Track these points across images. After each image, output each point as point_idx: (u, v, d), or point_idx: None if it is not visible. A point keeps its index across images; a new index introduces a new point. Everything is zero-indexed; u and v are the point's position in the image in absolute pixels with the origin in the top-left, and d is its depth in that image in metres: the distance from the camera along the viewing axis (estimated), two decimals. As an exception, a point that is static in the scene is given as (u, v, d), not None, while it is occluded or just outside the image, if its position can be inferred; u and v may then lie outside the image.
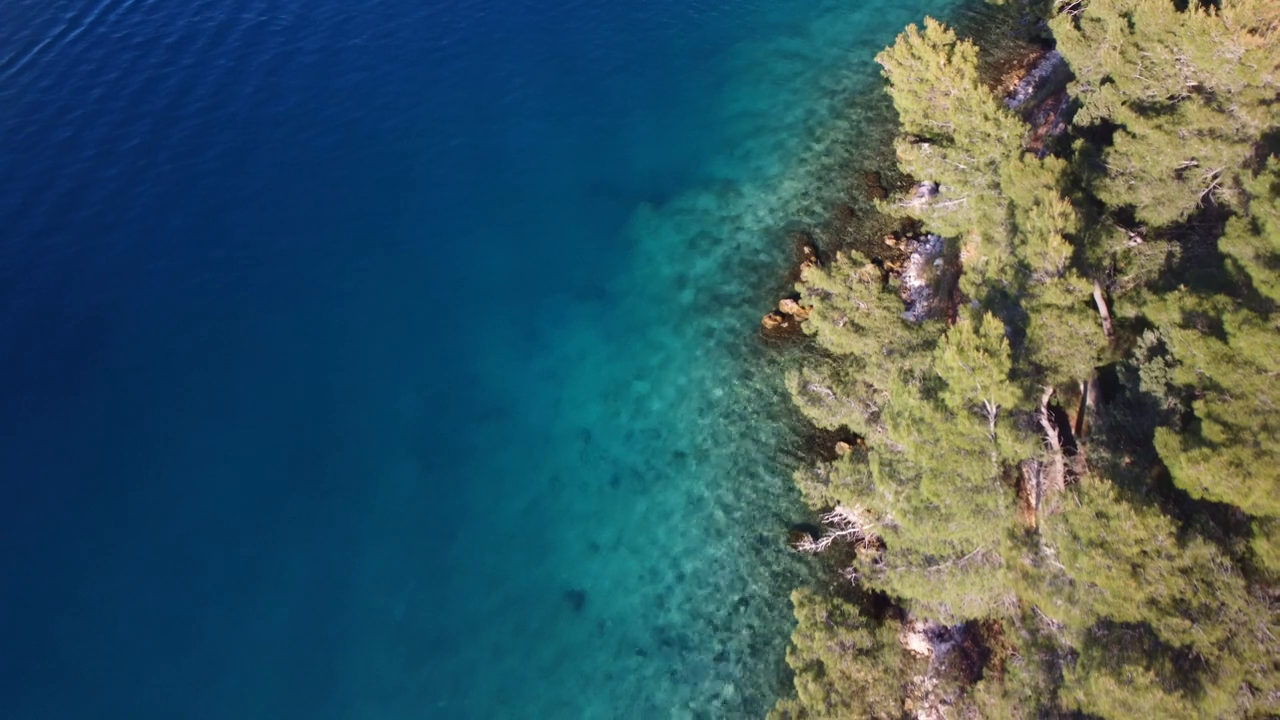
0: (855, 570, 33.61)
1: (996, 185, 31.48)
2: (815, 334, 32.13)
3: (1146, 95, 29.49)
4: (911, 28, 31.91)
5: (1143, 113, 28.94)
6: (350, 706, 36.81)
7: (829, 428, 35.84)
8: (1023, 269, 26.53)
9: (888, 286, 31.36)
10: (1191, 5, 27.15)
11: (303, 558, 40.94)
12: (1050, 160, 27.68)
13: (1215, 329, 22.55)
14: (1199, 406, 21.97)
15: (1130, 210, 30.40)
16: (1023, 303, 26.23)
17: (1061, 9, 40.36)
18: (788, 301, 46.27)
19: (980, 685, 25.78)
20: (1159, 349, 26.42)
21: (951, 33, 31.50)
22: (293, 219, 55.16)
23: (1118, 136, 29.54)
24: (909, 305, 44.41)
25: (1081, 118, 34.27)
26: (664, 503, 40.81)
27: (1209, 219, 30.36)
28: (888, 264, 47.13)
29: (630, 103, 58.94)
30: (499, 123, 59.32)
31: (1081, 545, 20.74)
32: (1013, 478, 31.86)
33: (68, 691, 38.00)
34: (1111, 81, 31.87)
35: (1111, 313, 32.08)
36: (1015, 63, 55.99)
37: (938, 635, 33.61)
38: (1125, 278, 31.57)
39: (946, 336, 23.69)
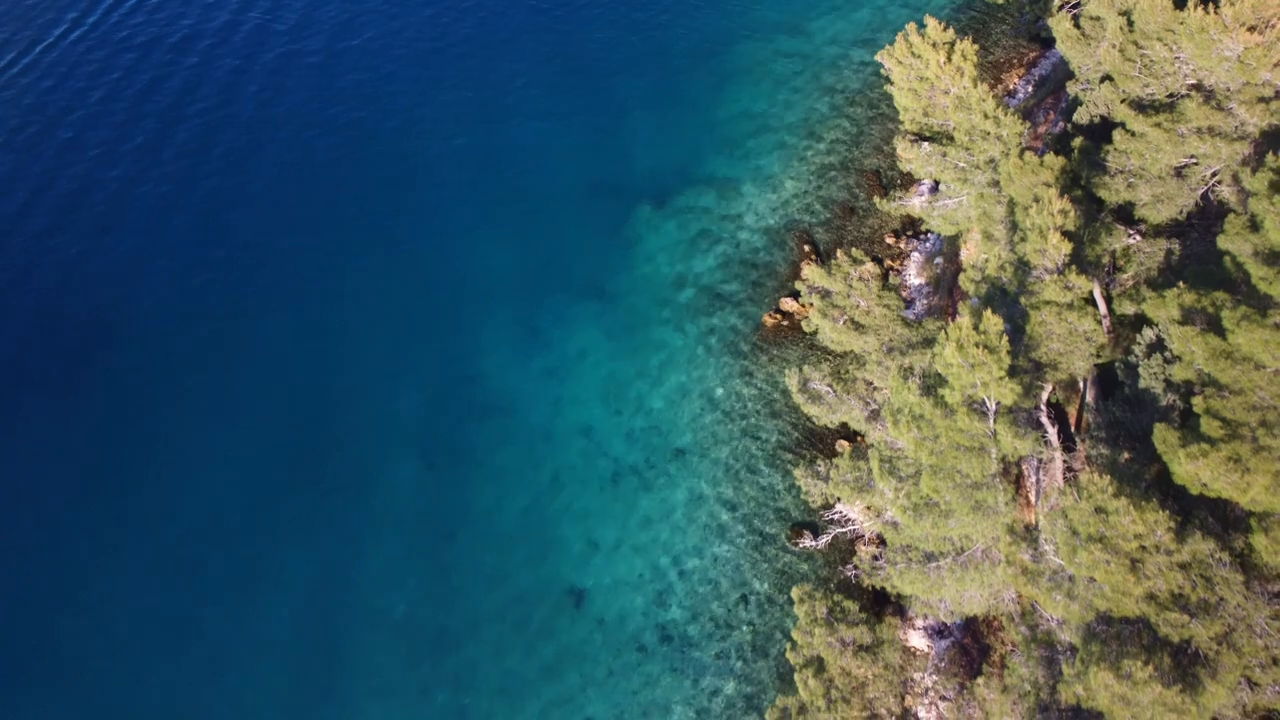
0: (855, 567, 33.70)
1: (996, 183, 31.56)
2: (815, 332, 32.20)
3: (1146, 93, 29.58)
4: (911, 26, 31.97)
5: (1142, 110, 29.03)
6: (351, 705, 36.89)
7: (829, 425, 35.90)
8: (1022, 266, 26.61)
9: (888, 284, 31.44)
10: (1190, 3, 27.21)
11: (304, 557, 41.02)
12: (1050, 158, 27.76)
13: (1214, 325, 22.62)
14: (1198, 402, 22.05)
15: (1129, 208, 30.48)
16: (1022, 300, 26.31)
17: (1061, 7, 40.42)
18: (788, 299, 46.36)
19: (980, 681, 25.86)
20: (1158, 345, 26.50)
21: (951, 31, 31.57)
22: (294, 219, 55.26)
23: (1117, 134, 29.63)
24: (909, 303, 44.49)
25: (1081, 116, 34.35)
26: (665, 500, 40.90)
27: (1208, 216, 30.44)
28: (888, 262, 47.21)
29: (631, 102, 59.03)
30: (501, 122, 59.42)
31: (1080, 540, 20.82)
32: (1012, 474, 31.94)
33: (68, 691, 38.05)
34: (1111, 79, 31.96)
35: (1111, 310, 32.17)
36: (1015, 61, 56.06)
37: (937, 632, 33.69)
38: (1124, 275, 31.66)
39: (946, 333, 23.77)
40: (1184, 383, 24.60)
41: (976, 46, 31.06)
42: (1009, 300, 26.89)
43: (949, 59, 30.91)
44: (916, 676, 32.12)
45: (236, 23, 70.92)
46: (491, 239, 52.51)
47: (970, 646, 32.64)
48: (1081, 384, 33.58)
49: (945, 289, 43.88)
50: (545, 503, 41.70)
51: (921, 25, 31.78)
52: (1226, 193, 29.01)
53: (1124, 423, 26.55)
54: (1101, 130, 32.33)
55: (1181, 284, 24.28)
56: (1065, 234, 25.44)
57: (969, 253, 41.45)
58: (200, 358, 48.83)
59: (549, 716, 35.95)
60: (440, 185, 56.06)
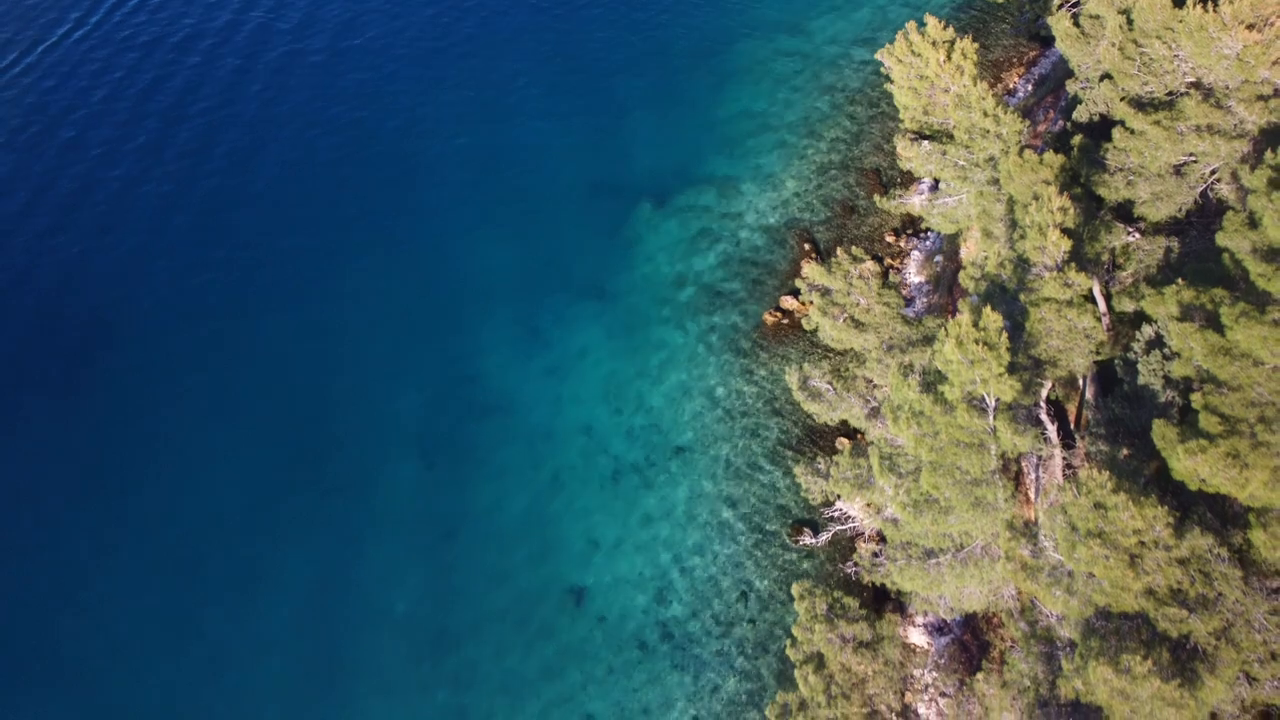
0: (855, 564, 33.76)
1: (996, 181, 31.63)
2: (815, 330, 32.27)
3: (1145, 91, 29.66)
4: (911, 25, 32.03)
5: (1141, 109, 29.10)
6: (352, 703, 36.94)
7: (829, 423, 36.00)
8: (1022, 263, 26.69)
9: (888, 282, 31.51)
10: (1189, 2, 27.28)
11: (304, 556, 41.06)
12: (1049, 156, 27.83)
13: (1213, 322, 22.70)
14: (1196, 399, 22.12)
15: (1129, 206, 30.55)
16: (1022, 297, 26.39)
17: (1060, 6, 40.51)
18: (788, 298, 46.43)
19: (979, 677, 25.92)
20: (1157, 342, 26.57)
21: (951, 30, 31.62)
22: (296, 219, 55.33)
23: (1116, 132, 29.70)
24: (909, 301, 44.56)
25: (1080, 114, 34.40)
26: (665, 498, 40.96)
27: (1207, 214, 30.50)
28: (888, 260, 47.29)
29: (632, 102, 59.11)
30: (502, 122, 59.49)
31: (1080, 536, 20.89)
32: (1012, 471, 32.00)
33: (68, 691, 38.08)
34: (1110, 78, 32.04)
35: (1110, 308, 32.24)
36: (1015, 60, 56.14)
37: (937, 629, 33.75)
38: (1124, 273, 31.73)
39: (946, 330, 23.84)
40: (1183, 379, 24.66)
41: (976, 45, 31.12)
42: (1009, 297, 26.97)
43: (949, 57, 30.99)
44: (916, 673, 32.19)
45: (239, 22, 71.03)
46: (492, 238, 52.58)
47: (970, 643, 32.70)
48: (1081, 381, 33.65)
49: (945, 287, 43.96)
50: (546, 501, 41.76)
51: (921, 24, 31.84)
52: (1225, 190, 29.09)
53: (1123, 419, 26.62)
54: (1101, 128, 32.40)
55: (1180, 281, 24.35)
56: (1065, 231, 25.52)
57: (969, 250, 41.53)
58: (201, 357, 48.89)
59: (550, 714, 36.01)
60: (441, 185, 56.14)
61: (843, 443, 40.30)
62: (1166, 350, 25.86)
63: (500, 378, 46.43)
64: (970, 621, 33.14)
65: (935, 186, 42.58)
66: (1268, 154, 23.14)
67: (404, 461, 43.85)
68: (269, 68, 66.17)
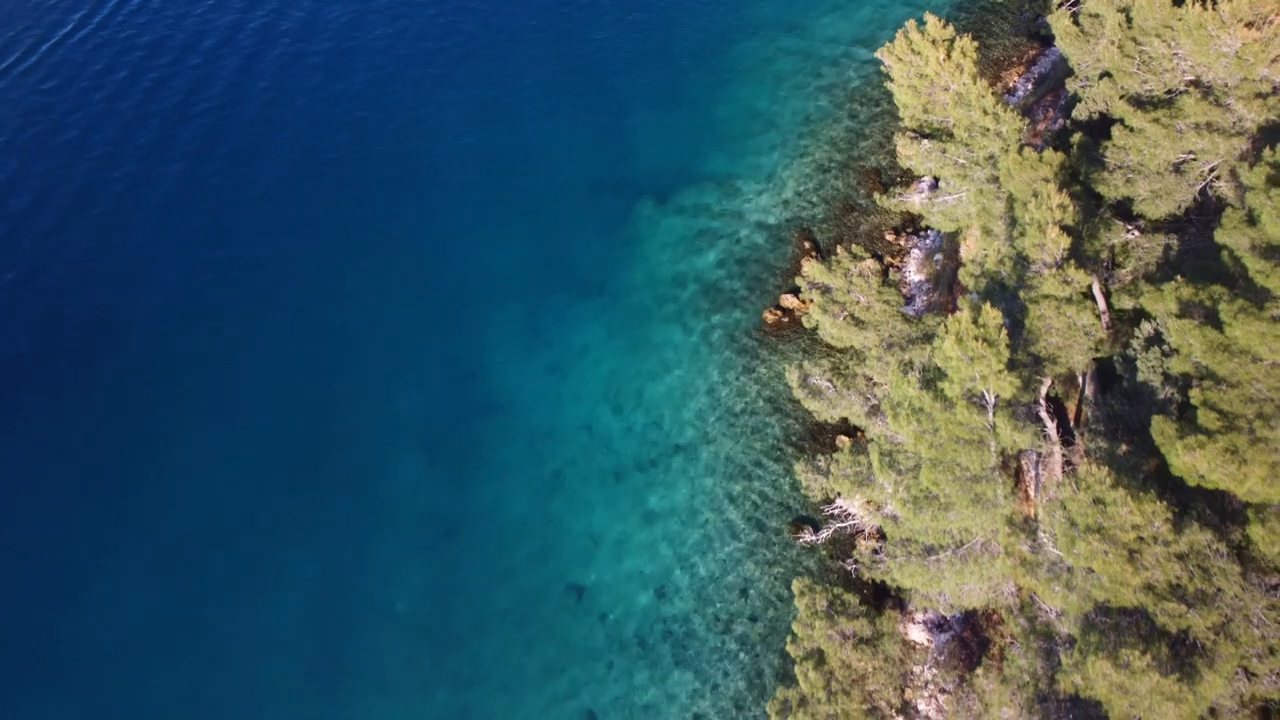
0: (855, 561, 33.86)
1: (995, 179, 31.70)
2: (816, 328, 32.34)
3: (1144, 89, 29.73)
4: (911, 23, 32.07)
5: (1140, 107, 29.18)
6: (353, 701, 37.05)
7: (829, 421, 36.07)
8: (1021, 261, 26.78)
9: (888, 280, 31.58)
10: (1188, 0, 27.37)
11: (305, 555, 41.17)
12: (1049, 154, 27.88)
13: (1211, 319, 22.78)
14: (1195, 395, 22.19)
15: (1128, 203, 30.63)
16: (1021, 294, 26.47)
17: (1060, 5, 40.55)
18: (788, 296, 46.53)
19: (979, 672, 26.02)
20: (1156, 339, 26.65)
21: (951, 28, 31.67)
22: (297, 218, 55.46)
23: (1116, 130, 29.77)
24: (909, 300, 44.65)
25: (1080, 112, 34.45)
26: (666, 496, 41.06)
27: (1206, 212, 30.58)
28: (888, 259, 47.38)
29: (633, 101, 59.20)
30: (503, 122, 59.61)
31: (1079, 531, 20.97)
32: (1011, 468, 32.09)
33: (68, 691, 38.19)
34: (1110, 76, 32.10)
35: (1110, 305, 32.33)
36: (1015, 59, 56.21)
37: (937, 626, 33.85)
38: (1123, 270, 31.82)
39: (946, 327, 23.92)
40: (1182, 375, 24.74)
41: (976, 43, 31.16)
42: (1008, 295, 27.05)
43: (949, 56, 31.04)
44: (916, 669, 32.28)
45: (241, 22, 71.17)
46: (492, 237, 52.70)
47: (970, 640, 32.80)
48: (1080, 378, 33.73)
49: (945, 285, 44.04)
50: (547, 499, 41.87)
51: (921, 22, 31.90)
52: (1224, 188, 29.17)
53: (1122, 416, 26.70)
54: (1100, 126, 32.46)
55: (1179, 278, 24.44)
56: (1064, 229, 25.59)
57: (968, 248, 41.60)
58: (202, 357, 49.02)
59: (551, 712, 36.11)
60: (442, 184, 56.26)
61: (843, 440, 40.36)
62: (1165, 347, 25.94)
63: (501, 376, 46.54)
64: (970, 618, 33.23)
65: (935, 185, 42.66)
66: (1266, 151, 23.21)
67: (405, 460, 43.98)
68: (271, 68, 66.32)
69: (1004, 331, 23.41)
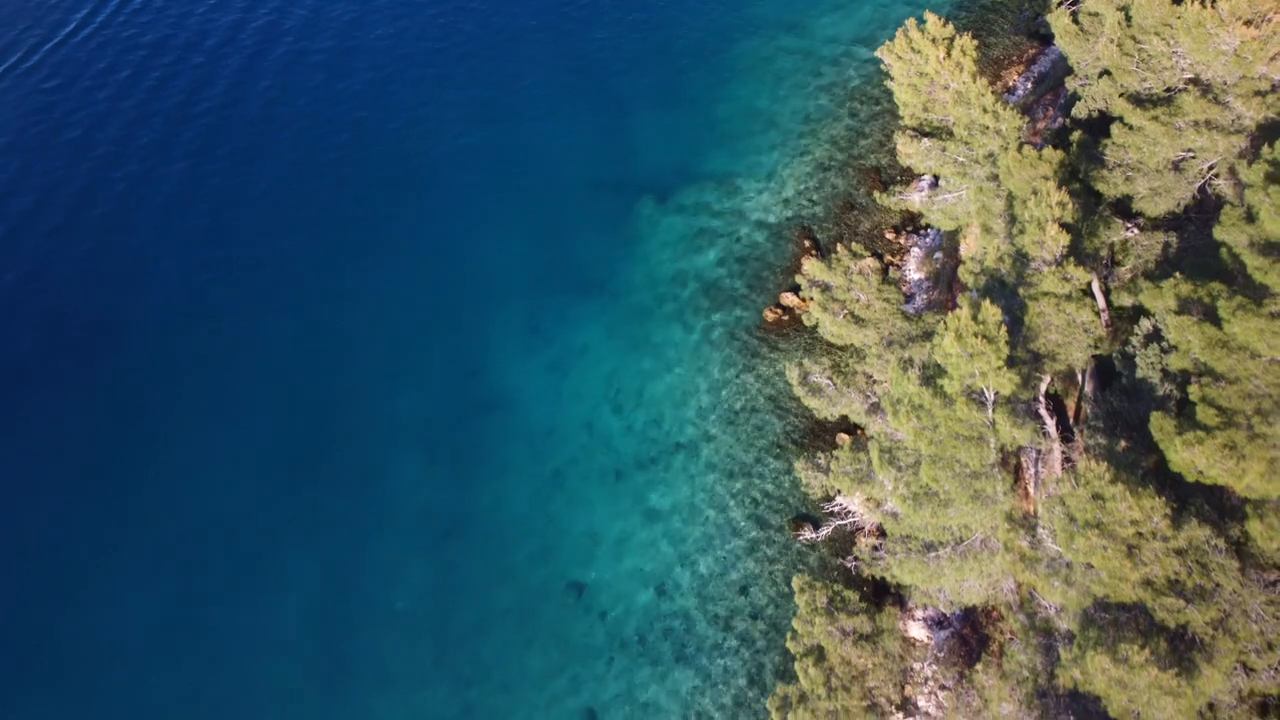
0: (855, 558, 33.90)
1: (995, 177, 31.77)
2: (816, 326, 32.41)
3: (1143, 87, 29.79)
4: (911, 22, 32.17)
5: (1140, 105, 29.25)
6: (354, 700, 37.10)
7: (829, 418, 36.12)
8: (1020, 258, 26.85)
9: (887, 279, 31.65)
10: (1187, -2, 27.45)
11: (306, 554, 41.22)
12: (1048, 152, 27.95)
13: (1210, 315, 22.84)
14: (1194, 391, 22.26)
15: (1127, 201, 30.70)
16: (1021, 291, 26.54)
17: (1060, 4, 40.66)
18: (788, 294, 46.60)
19: (978, 668, 26.08)
20: (1155, 335, 26.71)
21: (951, 27, 31.76)
22: (298, 218, 55.54)
23: (1115, 128, 29.84)
24: (909, 298, 44.71)
25: (1079, 110, 34.51)
26: (666, 493, 41.13)
27: (1205, 209, 30.64)
28: (888, 257, 47.45)
29: (634, 101, 59.27)
30: (503, 122, 59.68)
31: (1078, 527, 21.04)
32: (1011, 465, 32.14)
33: (69, 691, 38.22)
34: (1109, 74, 32.16)
35: (1109, 302, 32.39)
36: (1015, 58, 56.27)
37: (937, 622, 33.90)
38: (1122, 268, 31.88)
39: (945, 324, 23.99)
40: (1180, 372, 24.80)
41: (976, 42, 31.24)
42: (1008, 292, 27.12)
43: (948, 54, 31.12)
44: (916, 666, 32.34)
45: (243, 21, 71.27)
46: (493, 237, 52.77)
47: (969, 636, 32.85)
48: (1079, 375, 33.79)
49: (945, 283, 44.10)
50: (547, 498, 41.93)
51: (922, 21, 31.99)
52: (1223, 185, 29.24)
53: (1121, 412, 26.76)
54: (1100, 125, 32.52)
55: (1178, 275, 24.48)
56: (1063, 226, 25.65)
57: (968, 246, 41.66)
58: (203, 356, 49.10)
59: (552, 710, 36.17)
60: (443, 184, 56.35)
61: (843, 438, 40.41)
62: (1164, 344, 26.00)
63: (502, 375, 46.61)
64: (969, 615, 33.29)
65: (935, 183, 42.74)
66: (1265, 149, 23.29)
67: (405, 459, 44.04)
68: (273, 68, 66.42)
69: (1003, 328, 23.49)
